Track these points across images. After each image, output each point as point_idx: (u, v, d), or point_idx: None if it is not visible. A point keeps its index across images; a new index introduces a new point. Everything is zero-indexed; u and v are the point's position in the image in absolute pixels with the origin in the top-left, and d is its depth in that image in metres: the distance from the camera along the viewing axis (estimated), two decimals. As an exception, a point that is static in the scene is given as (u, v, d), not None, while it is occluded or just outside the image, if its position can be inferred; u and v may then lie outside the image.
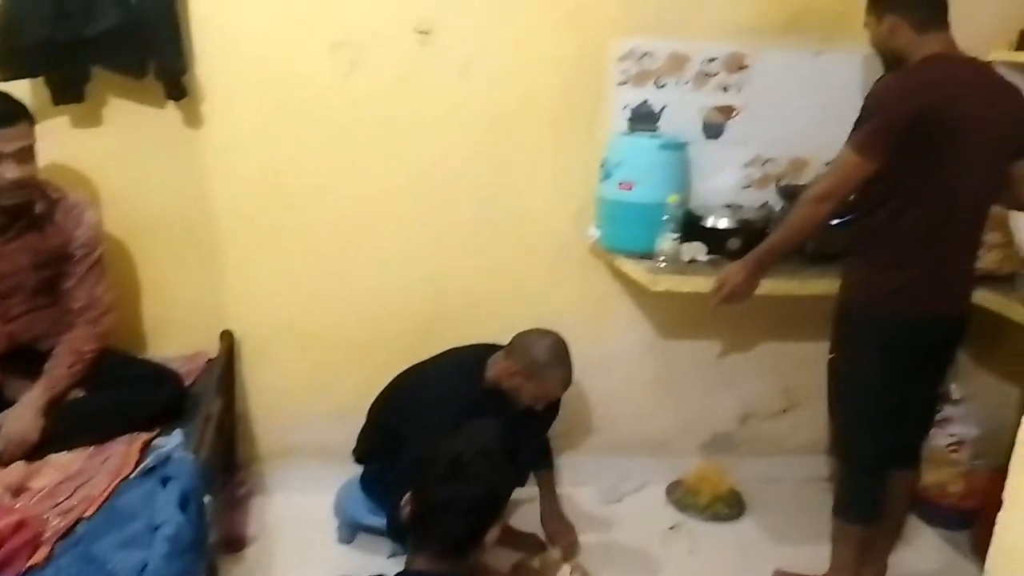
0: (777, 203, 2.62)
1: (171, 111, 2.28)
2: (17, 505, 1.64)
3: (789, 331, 2.70)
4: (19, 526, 1.52)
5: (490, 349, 2.29)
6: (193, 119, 2.30)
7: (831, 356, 2.11)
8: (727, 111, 2.55)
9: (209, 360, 2.35)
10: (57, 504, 1.68)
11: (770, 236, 2.10)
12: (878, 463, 2.11)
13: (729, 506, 2.70)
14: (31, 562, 1.51)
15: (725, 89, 2.53)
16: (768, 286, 2.23)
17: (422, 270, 2.54)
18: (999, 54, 2.55)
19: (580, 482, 2.75)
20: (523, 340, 2.22)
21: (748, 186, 2.62)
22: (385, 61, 2.34)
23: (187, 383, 2.18)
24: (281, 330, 2.51)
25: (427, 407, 2.12)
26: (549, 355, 2.18)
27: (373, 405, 2.35)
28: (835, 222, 2.10)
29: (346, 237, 2.47)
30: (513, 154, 2.48)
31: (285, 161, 2.38)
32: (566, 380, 2.24)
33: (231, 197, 2.38)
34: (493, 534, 1.56)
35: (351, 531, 2.32)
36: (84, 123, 2.25)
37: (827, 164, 2.56)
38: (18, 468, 1.80)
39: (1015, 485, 1.08)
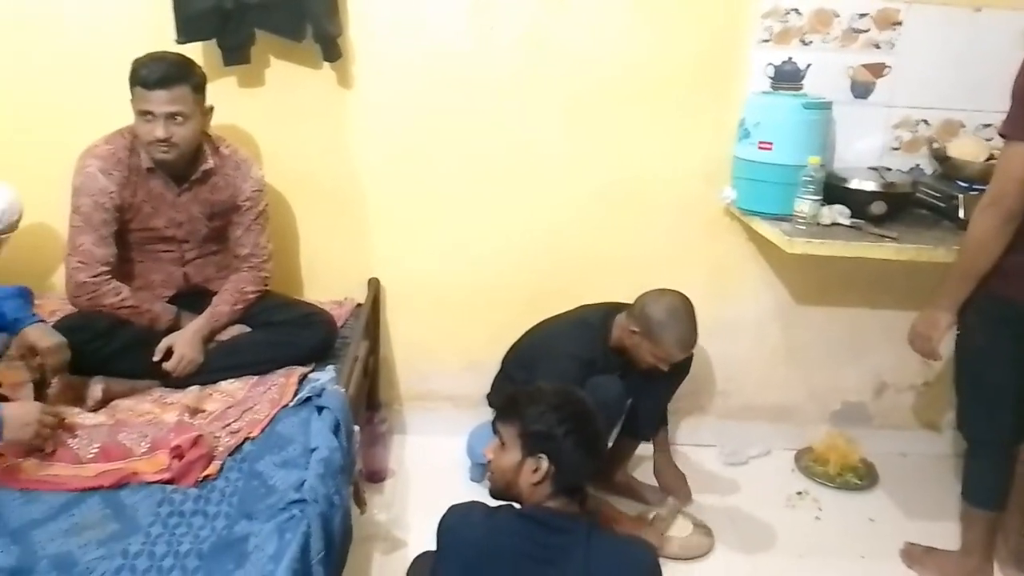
0: (928, 166, 2.52)
1: (326, 72, 2.42)
2: (195, 423, 1.85)
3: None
4: (196, 441, 1.72)
5: (619, 308, 2.32)
6: (345, 80, 2.44)
7: (958, 332, 2.03)
8: (877, 69, 2.45)
9: (358, 305, 2.52)
10: (226, 425, 1.87)
11: (952, 268, 1.98)
12: (997, 443, 2.04)
13: (860, 477, 2.65)
14: (205, 473, 1.70)
15: (877, 46, 2.43)
16: (912, 252, 2.16)
17: (550, 229, 2.59)
18: None
19: (704, 443, 2.77)
20: (643, 300, 2.23)
21: (897, 148, 2.52)
22: (519, 23, 2.40)
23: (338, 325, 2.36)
24: (420, 281, 2.64)
25: (550, 365, 2.18)
26: (667, 315, 2.17)
27: (506, 355, 2.45)
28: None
29: (478, 195, 2.56)
30: (645, 114, 2.49)
31: (425, 120, 2.48)
32: (685, 341, 2.20)
33: (376, 154, 2.52)
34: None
35: (482, 471, 2.45)
36: (249, 83, 2.43)
37: (984, 127, 2.47)
38: (193, 392, 2.02)
39: None
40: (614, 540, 1.71)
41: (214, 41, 2.31)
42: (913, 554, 2.28)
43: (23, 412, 1.67)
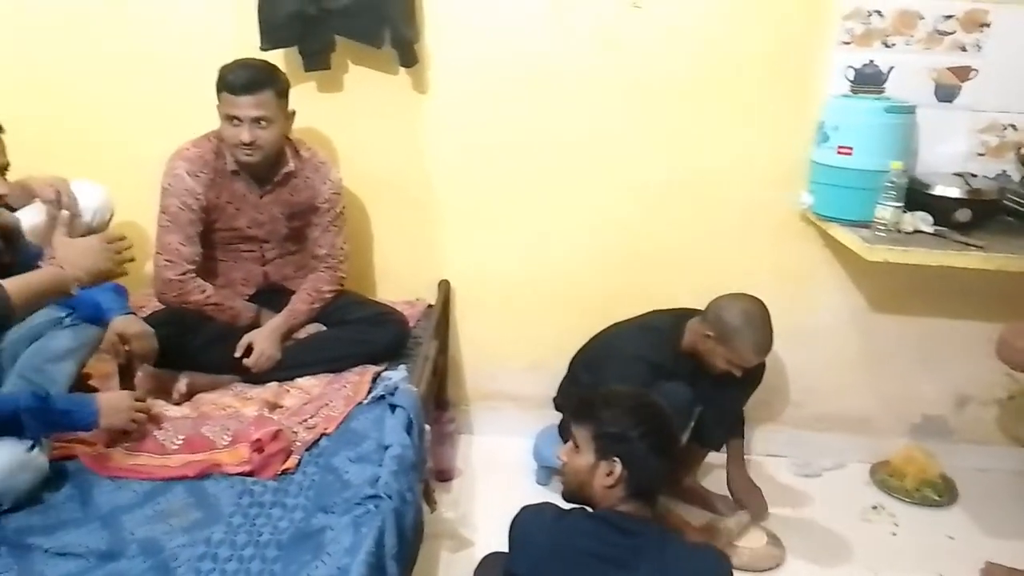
0: (1016, 172, 2.43)
1: (402, 77, 2.46)
2: (274, 418, 1.90)
3: (1018, 310, 2.48)
4: (276, 435, 1.77)
5: (690, 314, 2.30)
6: (420, 85, 2.48)
7: None
8: (962, 72, 2.38)
9: (428, 306, 2.56)
10: (303, 421, 1.92)
11: None
12: None
13: (939, 493, 2.57)
14: (284, 466, 1.75)
15: (963, 49, 2.35)
16: (1000, 261, 2.09)
17: (620, 232, 2.59)
18: None
19: (775, 453, 2.72)
20: (718, 304, 2.20)
21: (982, 154, 2.44)
22: (593, 22, 2.40)
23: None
24: (489, 283, 2.67)
25: (617, 367, 2.17)
26: (743, 319, 2.14)
27: (574, 357, 2.46)
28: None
29: (547, 199, 2.58)
30: (719, 115, 2.46)
31: (496, 125, 2.50)
32: (760, 346, 2.17)
33: (448, 159, 2.55)
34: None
35: (548, 474, 2.47)
36: (328, 88, 2.49)
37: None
38: (272, 388, 2.08)
39: None
40: (687, 546, 1.69)
41: (295, 48, 2.38)
42: (994, 573, 2.20)
43: (116, 399, 1.77)
